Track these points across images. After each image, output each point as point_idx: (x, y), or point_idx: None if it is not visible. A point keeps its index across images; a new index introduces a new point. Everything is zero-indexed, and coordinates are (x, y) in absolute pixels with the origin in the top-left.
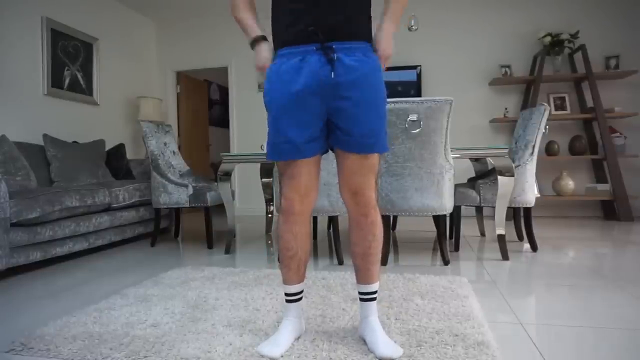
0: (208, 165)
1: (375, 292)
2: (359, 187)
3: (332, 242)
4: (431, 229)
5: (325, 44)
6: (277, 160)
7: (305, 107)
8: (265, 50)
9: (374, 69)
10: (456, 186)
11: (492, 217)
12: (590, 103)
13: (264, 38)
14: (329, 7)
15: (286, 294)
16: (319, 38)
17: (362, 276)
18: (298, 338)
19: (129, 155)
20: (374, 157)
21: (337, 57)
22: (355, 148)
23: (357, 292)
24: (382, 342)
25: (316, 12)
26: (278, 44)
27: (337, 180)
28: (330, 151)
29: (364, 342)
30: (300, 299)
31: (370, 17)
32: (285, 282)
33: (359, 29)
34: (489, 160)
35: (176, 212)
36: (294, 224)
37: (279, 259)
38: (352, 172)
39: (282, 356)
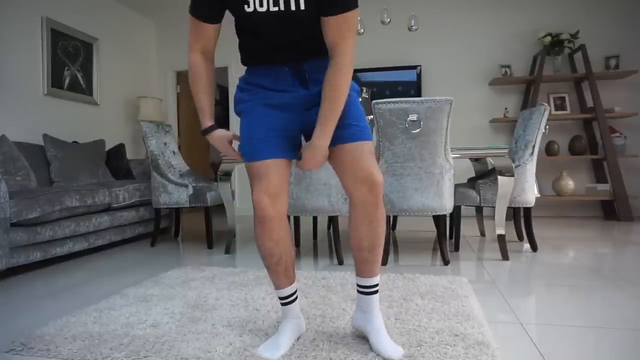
0: (208, 165)
1: (377, 285)
2: (370, 172)
3: (332, 242)
4: (431, 229)
5: (296, 63)
6: (255, 159)
7: (280, 120)
8: (218, 137)
9: None
10: (456, 186)
11: (492, 217)
12: (590, 103)
13: (212, 128)
14: (293, 45)
15: (280, 298)
16: (288, 59)
17: (368, 269)
18: (299, 338)
19: (129, 155)
20: (368, 144)
21: (309, 77)
22: (350, 138)
23: (356, 289)
24: (387, 342)
25: (282, 48)
26: (249, 61)
27: (342, 181)
28: None
29: (364, 333)
30: (295, 299)
31: None
32: (277, 287)
33: (324, 50)
34: (489, 160)
35: (176, 212)
36: (272, 230)
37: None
38: (357, 157)
39: (282, 356)
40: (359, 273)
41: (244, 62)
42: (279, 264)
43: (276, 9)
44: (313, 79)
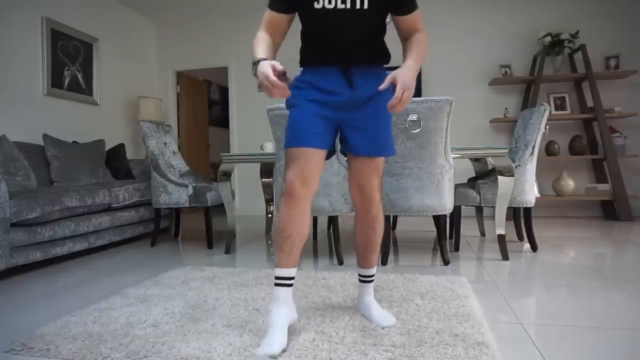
0: (208, 165)
1: (372, 276)
2: (364, 185)
3: (332, 242)
4: (431, 229)
5: (345, 66)
6: (295, 145)
7: (323, 117)
8: (263, 65)
9: (381, 92)
10: (456, 186)
11: (492, 217)
12: (590, 103)
13: (263, 59)
14: (349, 46)
15: (276, 278)
16: (339, 61)
17: (362, 262)
18: (290, 326)
19: (129, 155)
20: (379, 160)
21: (354, 80)
22: (363, 152)
23: (357, 282)
24: (377, 315)
25: (337, 49)
26: (305, 62)
27: (348, 178)
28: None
29: (363, 315)
30: (290, 285)
31: (384, 43)
32: (277, 264)
33: (374, 56)
34: (489, 160)
35: (176, 212)
36: (292, 206)
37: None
38: (360, 172)
39: (283, 351)
40: (358, 264)
41: (301, 64)
42: (286, 241)
43: (343, 6)
44: (358, 83)
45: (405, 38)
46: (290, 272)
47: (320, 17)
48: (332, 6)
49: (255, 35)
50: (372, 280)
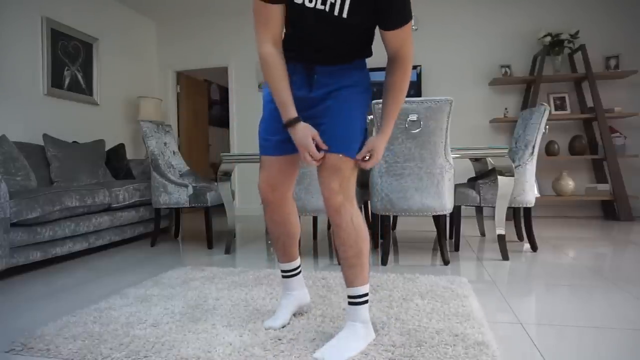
0: (208, 165)
1: (352, 297)
2: (322, 185)
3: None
4: (431, 229)
5: (311, 65)
6: (261, 154)
7: (281, 119)
8: (303, 128)
9: (346, 87)
10: (456, 186)
11: (492, 217)
12: (590, 103)
13: (298, 119)
14: (321, 48)
15: (281, 271)
16: (307, 59)
17: (344, 276)
18: (303, 307)
19: (129, 155)
20: (336, 158)
21: (317, 78)
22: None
23: None
24: (328, 345)
25: (309, 49)
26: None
27: None
28: None
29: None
30: (294, 275)
31: (365, 48)
32: (278, 260)
33: (343, 58)
34: (489, 160)
35: (176, 212)
36: (272, 213)
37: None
38: (319, 170)
39: (283, 326)
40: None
41: None
42: (277, 242)
43: (322, 7)
44: (319, 82)
45: (390, 59)
46: (290, 265)
47: (299, 13)
48: (312, 5)
49: (264, 57)
50: (352, 303)
